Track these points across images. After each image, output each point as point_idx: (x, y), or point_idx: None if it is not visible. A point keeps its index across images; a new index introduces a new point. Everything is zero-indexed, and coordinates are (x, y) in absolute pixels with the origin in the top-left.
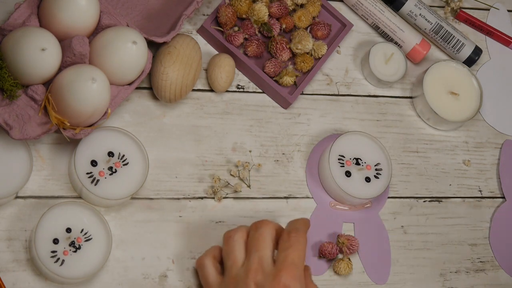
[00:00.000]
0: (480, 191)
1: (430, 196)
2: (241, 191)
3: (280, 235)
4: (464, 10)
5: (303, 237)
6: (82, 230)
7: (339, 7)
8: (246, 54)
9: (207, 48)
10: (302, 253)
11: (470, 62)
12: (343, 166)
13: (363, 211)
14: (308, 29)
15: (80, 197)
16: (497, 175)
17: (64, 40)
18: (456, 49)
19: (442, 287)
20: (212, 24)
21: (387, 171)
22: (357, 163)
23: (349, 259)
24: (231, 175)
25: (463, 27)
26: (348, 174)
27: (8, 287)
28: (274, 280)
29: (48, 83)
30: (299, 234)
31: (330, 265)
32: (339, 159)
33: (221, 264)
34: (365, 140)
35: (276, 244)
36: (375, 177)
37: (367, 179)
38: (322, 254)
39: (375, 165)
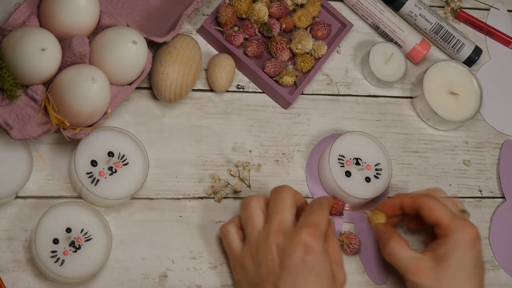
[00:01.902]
0: (480, 191)
1: None
2: (241, 191)
3: (300, 203)
4: (464, 10)
5: (326, 210)
6: (82, 230)
7: (339, 7)
8: (246, 54)
9: (207, 48)
10: (324, 219)
11: (470, 62)
12: (343, 166)
13: None
14: (308, 29)
15: (80, 197)
16: (497, 175)
17: (64, 40)
18: (456, 49)
19: None
20: (212, 24)
21: (387, 171)
22: (357, 163)
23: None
24: (231, 175)
25: (463, 27)
26: (348, 174)
27: (8, 287)
28: (294, 238)
29: (48, 83)
30: (322, 207)
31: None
32: (339, 159)
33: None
34: (365, 140)
35: (297, 214)
36: (375, 177)
37: (367, 179)
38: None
39: (375, 165)
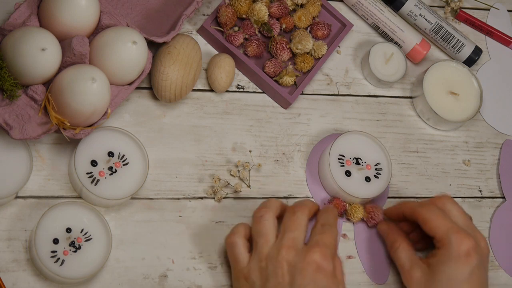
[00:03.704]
0: (480, 191)
1: (430, 196)
2: (241, 191)
3: (313, 215)
4: (464, 10)
5: (335, 229)
6: (82, 230)
7: (339, 7)
8: (246, 54)
9: (207, 48)
10: (334, 240)
11: (470, 62)
12: (343, 165)
13: None
14: (308, 29)
15: (80, 197)
16: (497, 175)
17: (64, 40)
18: (456, 49)
19: None
20: (212, 24)
21: (387, 170)
22: (357, 163)
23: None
24: (231, 175)
25: (463, 27)
26: (348, 173)
27: (8, 287)
28: (306, 257)
29: (48, 83)
30: (332, 226)
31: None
32: (339, 159)
33: (250, 242)
34: (365, 139)
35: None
36: (375, 176)
37: (367, 179)
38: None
39: (375, 165)
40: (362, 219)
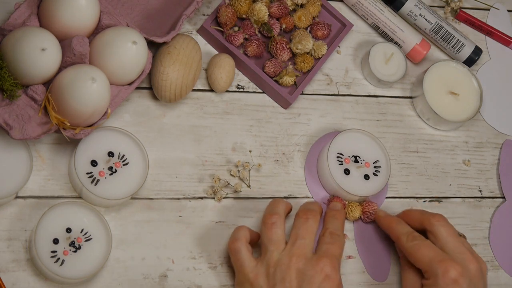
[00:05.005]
0: (480, 191)
1: (430, 196)
2: (241, 191)
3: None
4: (464, 10)
5: (343, 238)
6: (82, 230)
7: (339, 7)
8: (246, 54)
9: (207, 48)
10: (341, 251)
11: (470, 62)
12: (342, 164)
13: None
14: (308, 29)
15: (80, 197)
16: (497, 175)
17: (64, 40)
18: (456, 49)
19: None
20: (212, 24)
21: (385, 168)
22: (356, 161)
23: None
24: (231, 175)
25: (463, 27)
26: (346, 171)
27: (8, 287)
28: (317, 266)
29: (48, 83)
30: (340, 236)
31: None
32: (337, 157)
33: (251, 245)
34: (364, 137)
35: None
36: (374, 174)
37: (366, 177)
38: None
39: (373, 163)
40: (359, 218)
